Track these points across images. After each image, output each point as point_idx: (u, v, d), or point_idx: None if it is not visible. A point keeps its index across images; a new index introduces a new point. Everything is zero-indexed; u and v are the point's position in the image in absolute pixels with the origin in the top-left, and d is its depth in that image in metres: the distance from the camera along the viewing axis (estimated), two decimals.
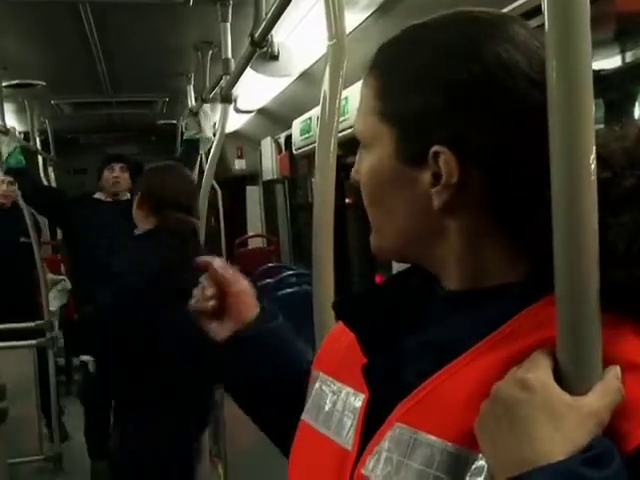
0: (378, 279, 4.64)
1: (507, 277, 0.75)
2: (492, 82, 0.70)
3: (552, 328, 0.63)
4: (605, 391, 0.60)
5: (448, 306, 0.78)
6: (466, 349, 0.71)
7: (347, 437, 0.80)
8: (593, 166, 0.57)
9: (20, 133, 5.74)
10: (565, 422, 0.59)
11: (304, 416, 0.89)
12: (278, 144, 6.11)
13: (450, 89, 0.71)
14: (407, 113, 0.75)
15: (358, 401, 0.81)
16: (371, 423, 0.77)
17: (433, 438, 0.69)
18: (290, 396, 1.00)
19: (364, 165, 0.80)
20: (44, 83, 4.62)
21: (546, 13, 0.57)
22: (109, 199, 4.19)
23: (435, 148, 0.72)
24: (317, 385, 0.89)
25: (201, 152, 4.26)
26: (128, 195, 4.11)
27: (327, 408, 0.85)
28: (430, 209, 0.74)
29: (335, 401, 0.84)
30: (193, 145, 4.24)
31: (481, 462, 0.65)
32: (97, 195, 4.23)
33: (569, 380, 0.61)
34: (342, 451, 0.79)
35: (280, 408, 1.04)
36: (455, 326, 0.75)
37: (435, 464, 0.68)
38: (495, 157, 0.71)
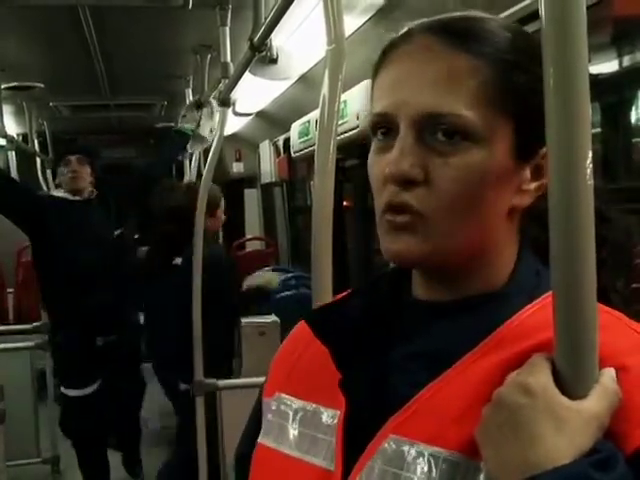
0: None
1: (498, 283, 0.76)
2: None
3: (545, 332, 0.64)
4: (603, 394, 0.60)
5: (434, 315, 0.77)
6: (459, 357, 0.71)
7: (326, 456, 0.76)
8: (589, 170, 0.58)
9: (19, 135, 5.74)
10: (568, 426, 0.59)
11: (263, 440, 0.84)
12: (276, 147, 6.11)
13: None
14: (533, 109, 0.69)
15: (333, 418, 0.77)
16: (352, 439, 0.74)
17: (432, 448, 0.68)
18: None
19: (463, 159, 0.71)
20: (42, 85, 4.62)
21: (543, 18, 0.57)
22: (77, 197, 3.84)
23: None
24: (274, 407, 0.84)
25: (190, 151, 4.13)
26: (94, 192, 3.90)
27: (294, 429, 0.80)
28: (505, 208, 0.74)
29: (301, 420, 0.80)
30: (181, 139, 4.04)
31: (483, 469, 0.64)
32: (60, 194, 3.88)
33: (567, 384, 0.61)
34: (322, 472, 0.76)
35: None
36: (446, 335, 0.74)
37: (436, 475, 0.67)
38: None
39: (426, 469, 0.67)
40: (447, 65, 0.72)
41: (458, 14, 0.77)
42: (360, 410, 0.76)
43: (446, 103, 0.70)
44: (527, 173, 0.74)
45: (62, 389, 3.85)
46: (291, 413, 0.82)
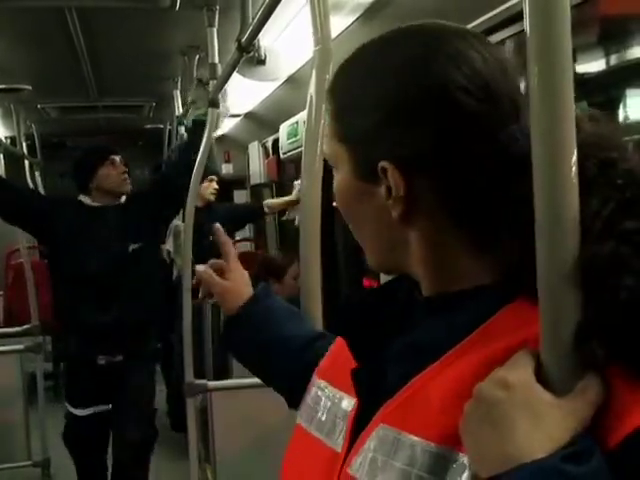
0: (366, 283, 4.65)
1: (479, 279, 0.77)
2: (429, 97, 0.74)
3: (529, 328, 0.65)
4: (587, 389, 0.61)
5: (426, 310, 0.81)
6: (446, 351, 0.73)
7: (338, 439, 0.83)
8: (574, 169, 0.58)
9: (6, 138, 5.72)
10: (546, 420, 0.60)
11: (298, 420, 0.93)
12: (265, 148, 6.11)
13: (389, 106, 0.76)
14: (356, 132, 0.79)
15: (349, 405, 0.84)
16: (360, 426, 0.80)
17: (415, 438, 0.71)
18: (294, 359, 1.12)
19: (334, 185, 0.84)
20: (30, 87, 4.60)
21: (527, 19, 0.57)
22: (96, 203, 3.52)
23: (381, 164, 0.76)
24: (313, 390, 0.93)
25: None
26: (122, 198, 3.59)
27: (321, 412, 0.89)
28: (392, 221, 0.77)
29: (329, 406, 0.88)
30: (201, 128, 3.37)
31: (462, 461, 0.66)
32: (83, 199, 3.54)
33: (552, 380, 0.61)
34: (332, 453, 0.82)
35: (286, 368, 1.15)
36: (432, 329, 0.77)
37: (418, 464, 0.69)
38: (438, 166, 0.75)
39: (410, 457, 0.70)
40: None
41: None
42: (364, 399, 0.82)
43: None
44: (381, 192, 0.77)
45: (66, 404, 3.62)
46: (324, 398, 0.90)
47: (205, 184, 4.85)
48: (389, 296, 0.89)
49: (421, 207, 0.76)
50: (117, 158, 3.55)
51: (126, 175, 3.57)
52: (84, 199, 3.56)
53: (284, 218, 4.50)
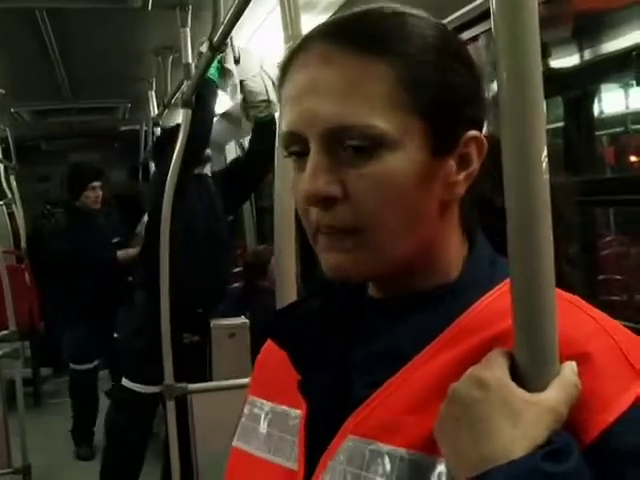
0: None
1: (451, 276, 0.76)
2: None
3: (501, 322, 0.64)
4: (562, 386, 0.60)
5: (390, 313, 0.77)
6: (417, 354, 0.71)
7: (291, 457, 0.77)
8: (545, 164, 0.58)
9: None
10: (523, 419, 0.59)
11: (235, 443, 0.86)
12: (243, 148, 6.08)
13: (473, 73, 0.73)
14: (442, 102, 0.70)
15: (295, 418, 0.79)
16: (314, 439, 0.75)
17: (390, 447, 0.68)
18: None
19: (378, 168, 0.68)
20: (3, 91, 4.55)
21: (494, 12, 0.57)
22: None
23: (472, 133, 0.71)
24: (246, 410, 0.87)
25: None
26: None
27: (262, 431, 0.82)
28: (435, 205, 0.72)
29: (270, 422, 0.82)
30: (268, 127, 2.97)
31: (442, 466, 0.64)
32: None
33: (527, 378, 0.61)
34: (287, 472, 0.77)
35: None
36: (403, 333, 0.74)
37: (395, 473, 0.67)
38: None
39: (385, 468, 0.67)
40: (346, 73, 0.69)
41: (359, 10, 0.73)
42: (320, 411, 0.76)
43: (351, 114, 0.67)
44: (451, 165, 0.71)
45: (136, 385, 3.55)
46: (262, 415, 0.84)
47: None
48: (325, 303, 0.83)
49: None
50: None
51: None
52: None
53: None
